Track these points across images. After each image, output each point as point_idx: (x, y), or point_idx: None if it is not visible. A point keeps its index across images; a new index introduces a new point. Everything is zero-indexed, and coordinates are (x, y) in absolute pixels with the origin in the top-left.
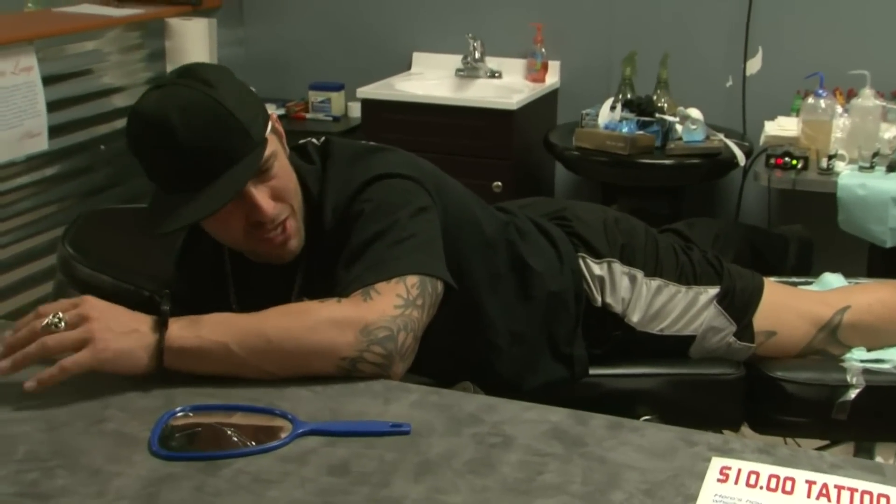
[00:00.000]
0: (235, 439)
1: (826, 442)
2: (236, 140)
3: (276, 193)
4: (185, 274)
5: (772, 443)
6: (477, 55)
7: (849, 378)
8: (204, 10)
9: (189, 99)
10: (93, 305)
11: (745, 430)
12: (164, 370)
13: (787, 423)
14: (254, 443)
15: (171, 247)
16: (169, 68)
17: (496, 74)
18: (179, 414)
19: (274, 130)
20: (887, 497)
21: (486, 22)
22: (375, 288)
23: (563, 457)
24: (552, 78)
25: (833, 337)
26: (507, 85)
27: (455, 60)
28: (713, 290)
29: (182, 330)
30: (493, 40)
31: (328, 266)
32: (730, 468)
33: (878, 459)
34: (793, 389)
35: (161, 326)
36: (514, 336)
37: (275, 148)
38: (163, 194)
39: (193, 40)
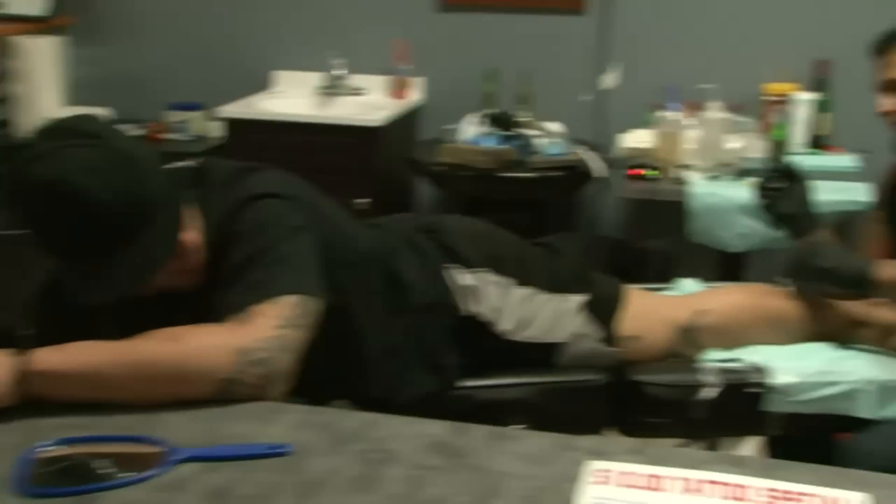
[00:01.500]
0: (109, 471)
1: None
2: (156, 183)
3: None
4: (52, 310)
5: (645, 443)
6: (340, 72)
7: (706, 378)
8: (54, 28)
9: (90, 158)
10: None
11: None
12: (28, 402)
13: (652, 425)
14: (129, 473)
15: (19, 277)
16: (16, 89)
17: (360, 92)
18: (45, 448)
19: None
20: (746, 487)
21: (348, 39)
22: (254, 310)
23: (445, 469)
24: (417, 94)
25: (692, 339)
26: (371, 102)
27: (317, 78)
28: (580, 298)
29: (48, 353)
30: (356, 57)
31: (211, 289)
32: (606, 470)
33: (741, 452)
34: (653, 392)
35: (24, 351)
36: (387, 350)
37: None
38: (87, 257)
39: (41, 60)
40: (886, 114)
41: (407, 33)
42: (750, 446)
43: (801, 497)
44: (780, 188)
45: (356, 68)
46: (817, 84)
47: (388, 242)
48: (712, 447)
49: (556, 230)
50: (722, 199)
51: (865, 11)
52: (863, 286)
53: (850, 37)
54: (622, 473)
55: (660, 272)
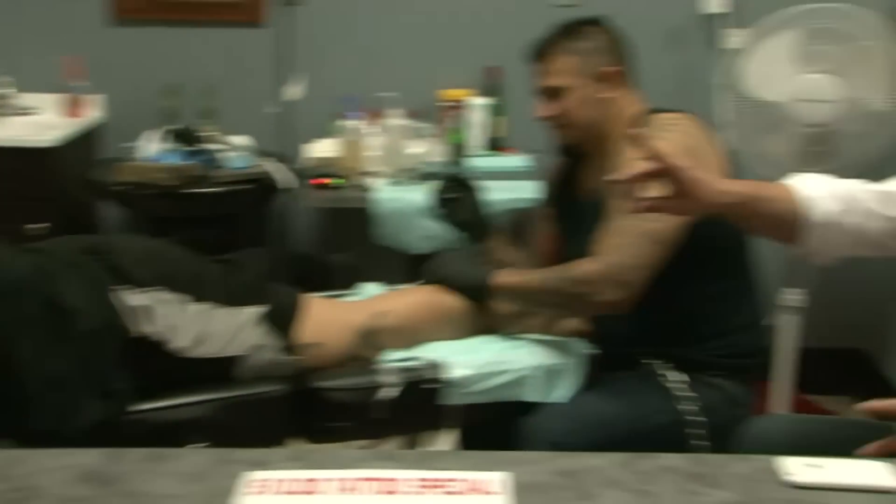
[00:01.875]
0: None
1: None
2: None
3: None
4: None
5: (306, 450)
6: (5, 91)
7: (385, 378)
8: None
9: None
10: None
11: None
12: None
13: (336, 430)
14: None
15: None
16: None
17: (29, 111)
18: None
19: None
20: (398, 480)
21: (13, 56)
22: None
23: (94, 499)
24: (97, 112)
25: (372, 341)
26: (43, 122)
27: None
28: (258, 310)
29: None
30: (25, 75)
31: None
32: (262, 480)
33: (438, 447)
34: (334, 397)
35: None
36: (50, 381)
37: None
38: None
39: None
40: (542, 119)
41: (80, 49)
42: (446, 440)
43: (447, 483)
44: (455, 198)
45: (25, 87)
46: (490, 89)
47: (47, 267)
48: (411, 445)
49: (248, 244)
50: (405, 203)
51: (531, 20)
52: (480, 294)
53: (518, 44)
54: (280, 481)
55: (344, 281)
